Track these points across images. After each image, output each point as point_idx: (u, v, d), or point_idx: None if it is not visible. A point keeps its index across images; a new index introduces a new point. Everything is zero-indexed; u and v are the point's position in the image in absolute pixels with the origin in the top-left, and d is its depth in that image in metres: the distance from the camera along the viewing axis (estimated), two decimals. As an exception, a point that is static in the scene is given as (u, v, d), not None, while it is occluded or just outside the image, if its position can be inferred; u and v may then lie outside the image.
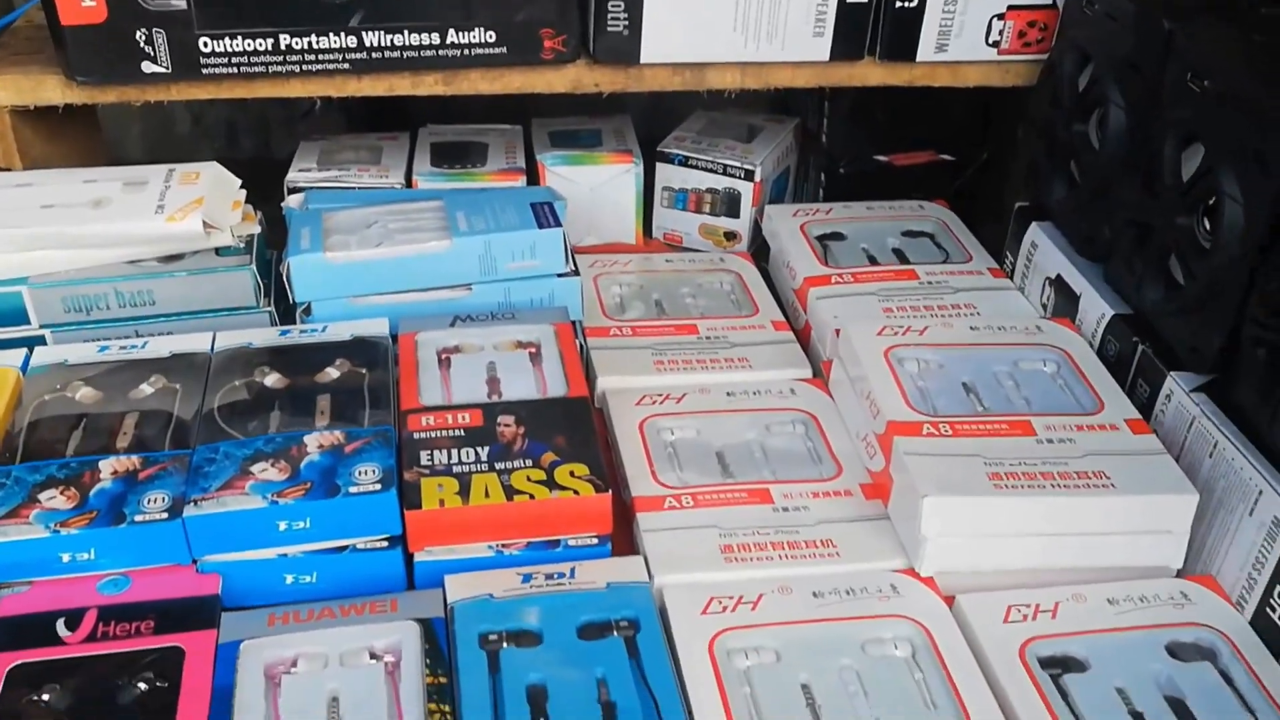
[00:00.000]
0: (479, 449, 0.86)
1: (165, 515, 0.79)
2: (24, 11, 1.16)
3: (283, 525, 0.80)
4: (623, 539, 0.87)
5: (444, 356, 0.98)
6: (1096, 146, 1.01)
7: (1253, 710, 0.75)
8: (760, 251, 1.29)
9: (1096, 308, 1.00)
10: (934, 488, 0.81)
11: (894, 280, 1.13)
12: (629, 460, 0.93)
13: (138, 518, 0.79)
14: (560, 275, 1.05)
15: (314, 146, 1.27)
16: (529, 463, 0.85)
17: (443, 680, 0.73)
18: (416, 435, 0.87)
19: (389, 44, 1.07)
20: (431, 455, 0.85)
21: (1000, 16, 1.13)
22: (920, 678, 0.77)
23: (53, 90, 1.07)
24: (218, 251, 1.02)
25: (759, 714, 0.74)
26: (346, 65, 1.07)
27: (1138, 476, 0.83)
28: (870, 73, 1.15)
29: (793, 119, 1.37)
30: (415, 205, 1.09)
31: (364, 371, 0.93)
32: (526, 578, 0.81)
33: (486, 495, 0.82)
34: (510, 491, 0.83)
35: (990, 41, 1.14)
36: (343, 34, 1.06)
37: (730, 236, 1.30)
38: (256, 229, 1.04)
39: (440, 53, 1.08)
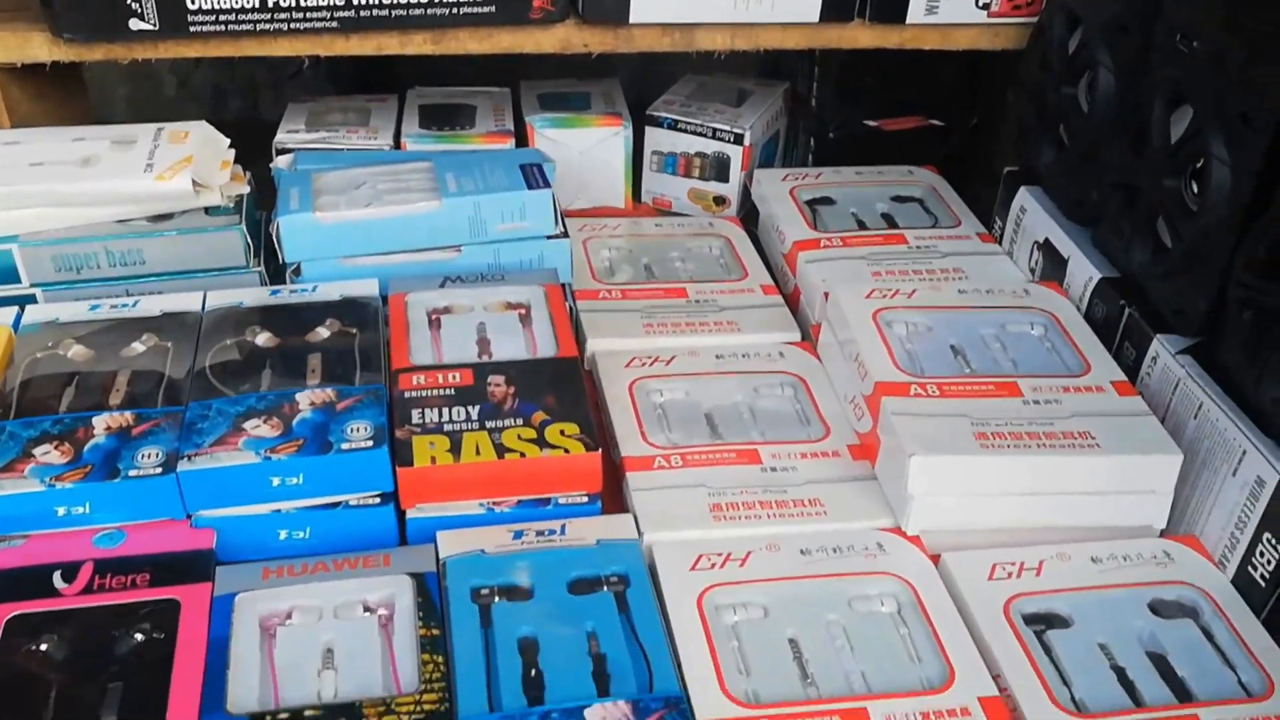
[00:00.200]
0: (470, 408, 0.87)
1: (159, 470, 0.79)
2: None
3: (276, 481, 0.81)
4: (612, 500, 0.88)
5: (434, 317, 0.98)
6: (1085, 109, 1.02)
7: (1233, 666, 0.76)
8: (749, 216, 1.29)
9: (1084, 271, 1.00)
10: (921, 447, 0.82)
11: (883, 245, 1.13)
12: (618, 421, 0.94)
13: (132, 473, 0.79)
14: (550, 237, 1.05)
15: (302, 108, 1.27)
16: (519, 421, 0.86)
17: (435, 632, 0.74)
18: (408, 394, 0.88)
19: (377, 2, 1.07)
20: (423, 414, 0.86)
21: (990, -21, 1.13)
22: (905, 633, 0.78)
23: (39, 47, 1.06)
24: (207, 211, 1.02)
25: (747, 667, 0.75)
26: (334, 23, 1.07)
27: (1123, 437, 0.84)
28: (860, 35, 1.15)
29: (782, 84, 1.37)
30: (404, 166, 1.09)
31: (354, 331, 0.94)
32: (517, 534, 0.82)
33: (477, 453, 0.83)
34: (501, 449, 0.83)
35: (980, 4, 1.14)
36: (331, -8, 1.06)
37: (719, 201, 1.30)
38: (246, 189, 1.04)
39: (429, 11, 1.08)
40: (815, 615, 0.78)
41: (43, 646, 0.72)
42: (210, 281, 1.00)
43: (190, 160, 1.00)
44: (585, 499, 0.85)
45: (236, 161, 1.06)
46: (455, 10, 1.08)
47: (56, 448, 0.81)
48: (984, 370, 0.92)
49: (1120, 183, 0.96)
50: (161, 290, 0.99)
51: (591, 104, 1.30)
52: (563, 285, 1.02)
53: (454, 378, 0.89)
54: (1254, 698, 0.73)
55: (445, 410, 0.86)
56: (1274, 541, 0.78)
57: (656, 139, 1.30)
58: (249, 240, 1.01)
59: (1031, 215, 1.10)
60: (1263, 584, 0.79)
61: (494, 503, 0.84)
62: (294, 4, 1.05)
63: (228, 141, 1.07)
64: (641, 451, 0.90)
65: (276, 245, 1.00)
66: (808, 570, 0.81)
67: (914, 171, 1.27)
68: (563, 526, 0.82)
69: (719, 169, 1.29)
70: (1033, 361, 0.93)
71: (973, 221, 1.18)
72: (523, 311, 0.99)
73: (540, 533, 0.82)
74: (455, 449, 0.83)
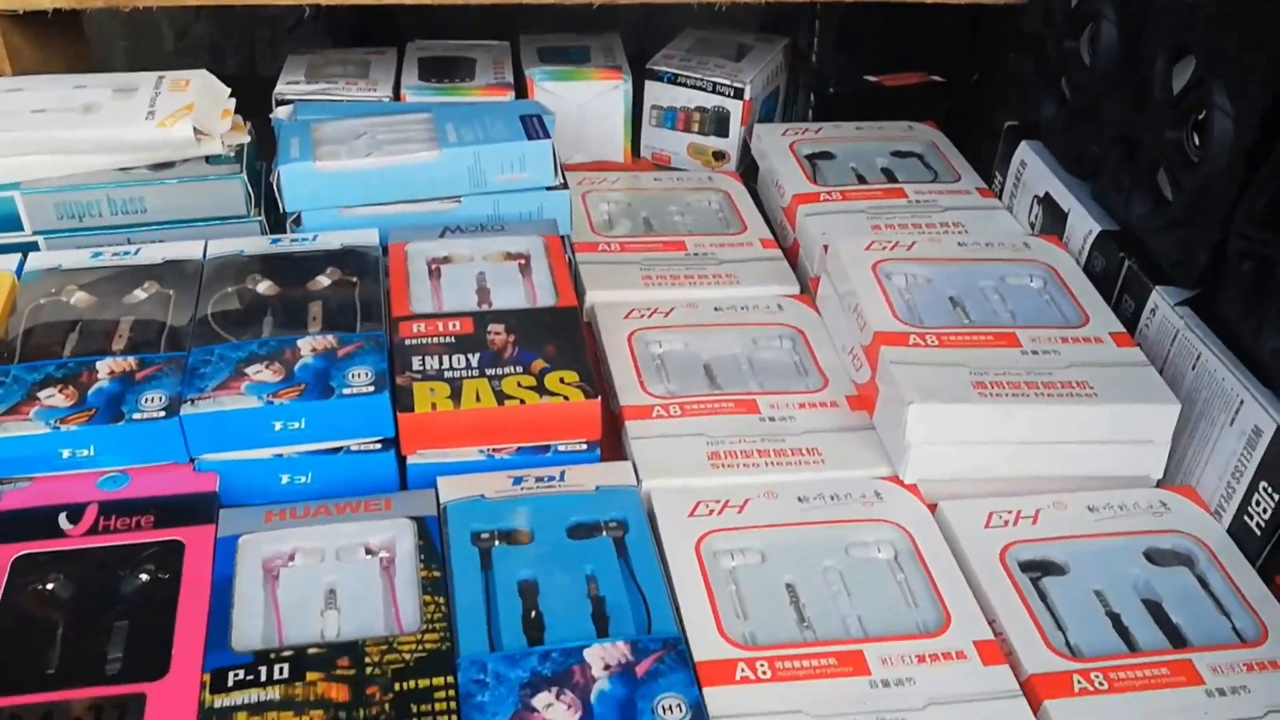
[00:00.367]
0: (470, 355, 0.87)
1: (163, 414, 0.80)
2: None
3: (278, 425, 0.81)
4: (611, 451, 0.88)
5: (434, 267, 0.98)
6: (1087, 63, 1.02)
7: (1227, 612, 0.77)
8: (749, 172, 1.29)
9: (1084, 224, 1.01)
10: (919, 395, 0.83)
11: (882, 199, 1.13)
12: (617, 371, 0.94)
13: (136, 416, 0.80)
14: (549, 188, 1.05)
15: (301, 60, 1.27)
16: (519, 369, 0.86)
17: (436, 574, 0.74)
18: (408, 341, 0.88)
19: (379, -48, 1.07)
20: (423, 361, 0.86)
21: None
22: (902, 579, 0.78)
23: (41, -9, 1.06)
24: (208, 160, 1.02)
25: (744, 611, 0.75)
26: (336, -29, 1.07)
27: (1120, 387, 0.84)
28: (861, -14, 1.15)
29: (782, 39, 1.37)
30: (404, 117, 1.09)
31: (355, 280, 0.94)
32: (517, 480, 0.82)
33: (478, 399, 0.83)
34: (501, 396, 0.84)
35: (982, -42, 1.14)
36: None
37: (719, 156, 1.30)
38: (246, 138, 1.04)
39: (429, -40, 1.08)
40: (812, 561, 0.79)
41: (49, 586, 0.73)
42: (211, 230, 1.01)
43: (191, 108, 1.00)
44: (584, 447, 0.86)
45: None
46: (456, -41, 1.08)
47: (61, 391, 0.81)
48: (983, 321, 0.92)
49: (1122, 135, 0.96)
50: (163, 239, 1.00)
51: (591, 57, 1.30)
52: (562, 236, 1.02)
53: (454, 326, 0.90)
54: (1247, 643, 0.74)
55: (445, 357, 0.87)
56: (1270, 490, 0.78)
57: (656, 93, 1.30)
58: (249, 189, 1.01)
59: (1032, 169, 1.11)
60: (1258, 532, 0.79)
61: (494, 449, 0.85)
62: (295, -49, 1.05)
63: (228, 90, 1.07)
64: (640, 401, 0.91)
65: (277, 195, 1.00)
66: (805, 517, 0.82)
67: (914, 127, 1.27)
68: (562, 473, 0.83)
69: (719, 124, 1.29)
70: (1031, 313, 0.94)
71: (973, 176, 1.18)
72: (522, 261, 0.99)
73: (540, 479, 0.82)
74: (455, 395, 0.83)
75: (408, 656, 0.69)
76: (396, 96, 1.20)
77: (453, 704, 0.66)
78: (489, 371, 0.86)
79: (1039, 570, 0.79)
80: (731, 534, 0.80)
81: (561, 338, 0.89)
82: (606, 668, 0.68)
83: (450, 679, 0.68)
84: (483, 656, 0.69)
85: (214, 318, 0.89)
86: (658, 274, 1.06)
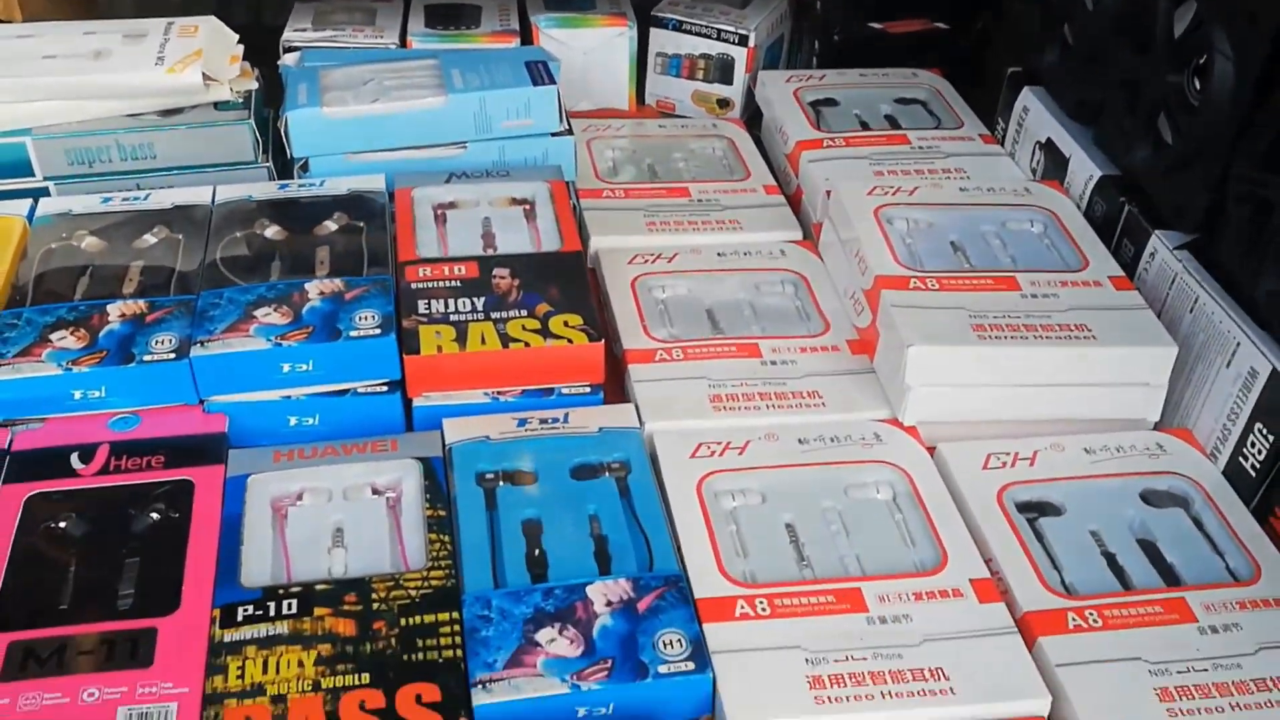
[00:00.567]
0: (475, 299, 0.88)
1: (173, 355, 0.81)
2: None
3: (286, 367, 0.82)
4: (614, 396, 0.89)
5: (440, 212, 0.99)
6: (1090, 7, 1.02)
7: (1221, 552, 0.78)
8: (753, 120, 1.29)
9: (1085, 170, 1.01)
10: (918, 337, 0.83)
11: (885, 145, 1.14)
12: (621, 316, 0.95)
13: (146, 357, 0.81)
14: (554, 134, 1.05)
15: (308, 8, 1.27)
16: (524, 313, 0.87)
17: (442, 513, 0.76)
18: (414, 285, 0.89)
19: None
20: (429, 304, 0.87)
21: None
22: (900, 519, 0.80)
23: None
24: (216, 107, 1.02)
25: (744, 550, 0.77)
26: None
27: (1118, 330, 0.85)
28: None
29: (788, -15, 1.37)
30: (411, 64, 1.10)
31: (361, 225, 0.95)
32: (521, 422, 0.83)
33: (483, 342, 0.84)
34: (506, 339, 0.85)
35: (987, -96, 1.13)
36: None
37: (723, 104, 1.31)
38: (254, 85, 1.05)
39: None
40: (812, 502, 0.80)
41: (61, 524, 0.74)
42: (219, 176, 1.01)
43: (200, 54, 1.01)
44: (588, 389, 0.87)
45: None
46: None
47: (72, 333, 0.82)
48: (983, 266, 0.93)
49: (1124, 80, 0.97)
50: (172, 185, 1.00)
51: (596, 4, 1.30)
52: (567, 182, 1.03)
53: (459, 270, 0.91)
54: (1240, 582, 0.75)
55: (451, 301, 0.88)
56: (1265, 432, 0.79)
57: (661, 40, 1.30)
58: (257, 135, 1.02)
59: (1034, 115, 1.11)
60: (1253, 474, 0.80)
61: (498, 392, 0.86)
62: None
63: (236, 36, 1.08)
64: (643, 345, 0.92)
65: (285, 140, 1.01)
66: (805, 459, 0.83)
67: (918, 74, 1.27)
68: (565, 415, 0.84)
69: (723, 71, 1.29)
70: (1032, 258, 0.94)
71: (975, 123, 1.19)
72: (527, 207, 1.00)
73: (544, 421, 0.83)
74: (461, 338, 0.84)
75: (413, 593, 0.70)
76: (403, 43, 1.21)
77: (458, 638, 0.68)
78: (494, 315, 0.86)
79: (1036, 511, 0.81)
80: (732, 475, 0.81)
81: (565, 282, 0.90)
82: (609, 604, 0.70)
83: (455, 614, 0.69)
84: (487, 593, 0.70)
85: (223, 262, 0.90)
86: (661, 220, 1.07)
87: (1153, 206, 0.93)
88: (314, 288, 0.87)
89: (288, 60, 1.11)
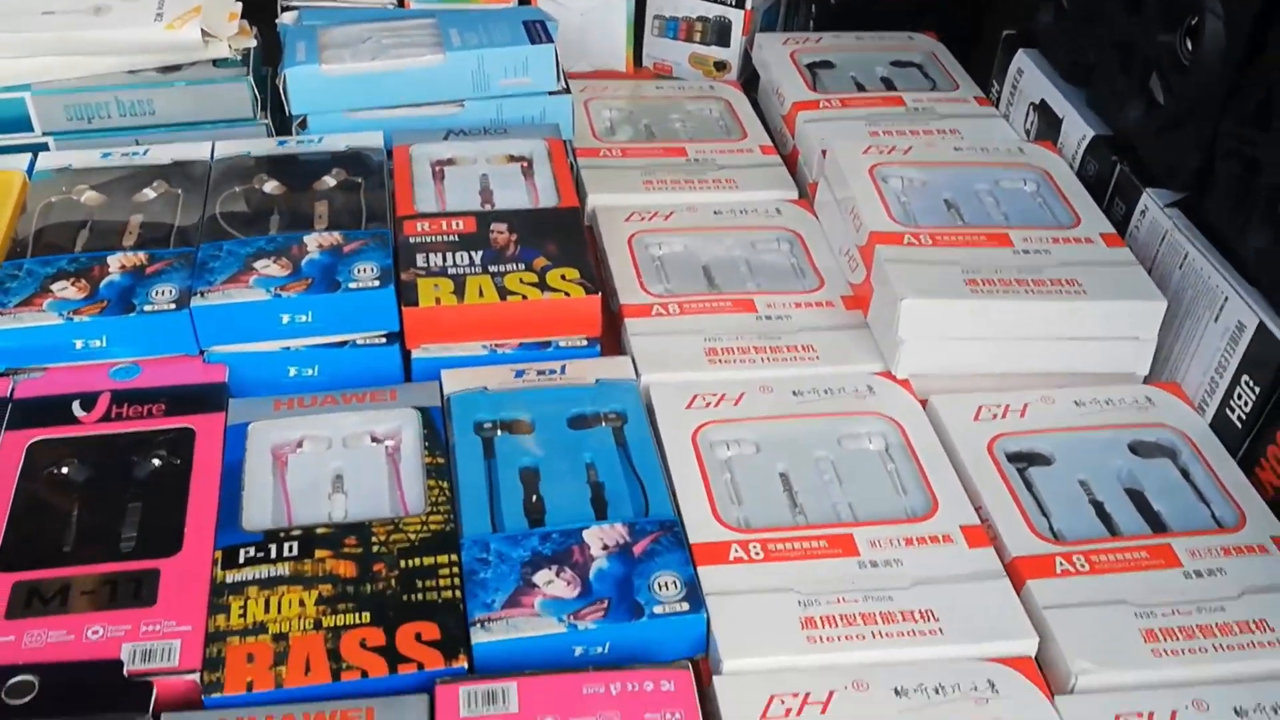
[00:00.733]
0: (473, 253, 0.89)
1: (173, 306, 0.82)
2: None
3: (286, 318, 0.83)
4: (611, 351, 0.90)
5: (438, 169, 1.00)
6: (1083, -31, 1.03)
7: (1207, 501, 0.79)
8: (750, 82, 1.30)
9: (1078, 130, 1.02)
10: (912, 291, 0.84)
11: (881, 106, 1.14)
12: (618, 273, 0.96)
13: (146, 308, 0.82)
14: (551, 93, 1.06)
15: (307, -33, 1.27)
16: (521, 266, 0.88)
17: (441, 461, 0.77)
18: (412, 239, 0.90)
19: None
20: (427, 258, 0.88)
21: None
22: (893, 468, 0.81)
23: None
24: (215, 64, 1.03)
25: (739, 497, 0.78)
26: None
27: (1109, 284, 0.86)
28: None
29: (784, -51, 1.37)
30: (409, 22, 1.10)
31: (359, 181, 0.96)
32: (519, 373, 0.84)
33: (481, 295, 0.85)
34: (503, 292, 0.86)
35: None
36: None
37: (720, 66, 1.31)
38: (252, 42, 1.06)
39: None
40: (805, 451, 0.81)
41: (63, 470, 0.75)
42: (218, 133, 1.02)
43: (199, 10, 1.01)
44: (584, 342, 0.88)
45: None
46: None
47: (73, 284, 0.83)
48: (977, 223, 0.94)
49: (1117, 41, 0.97)
50: (171, 141, 1.01)
51: (594, -34, 1.30)
52: (564, 140, 1.03)
53: (458, 225, 0.91)
54: (1225, 529, 0.76)
55: (449, 255, 0.88)
56: (1251, 384, 0.80)
57: (658, 2, 1.30)
58: (256, 93, 1.03)
59: (1028, 77, 1.12)
60: (1239, 425, 0.82)
61: (496, 345, 0.87)
62: None
63: (235, -7, 1.08)
64: (640, 300, 0.93)
65: (283, 97, 1.01)
66: (799, 410, 0.84)
67: (914, 37, 1.28)
68: (563, 367, 0.85)
69: (720, 33, 1.29)
70: (1024, 215, 0.95)
71: (971, 86, 1.19)
72: (525, 164, 1.00)
73: (541, 372, 0.84)
74: (459, 291, 0.85)
75: (413, 536, 0.71)
76: (401, 2, 1.21)
77: (457, 580, 0.69)
78: (492, 268, 0.87)
79: (1025, 461, 0.82)
80: (727, 425, 0.82)
81: (563, 237, 0.91)
82: (605, 548, 0.71)
83: (454, 557, 0.70)
84: (485, 537, 0.71)
85: (222, 217, 0.91)
86: (658, 179, 1.07)
87: (1144, 166, 0.94)
88: (313, 241, 0.87)
89: (286, 19, 1.11)
